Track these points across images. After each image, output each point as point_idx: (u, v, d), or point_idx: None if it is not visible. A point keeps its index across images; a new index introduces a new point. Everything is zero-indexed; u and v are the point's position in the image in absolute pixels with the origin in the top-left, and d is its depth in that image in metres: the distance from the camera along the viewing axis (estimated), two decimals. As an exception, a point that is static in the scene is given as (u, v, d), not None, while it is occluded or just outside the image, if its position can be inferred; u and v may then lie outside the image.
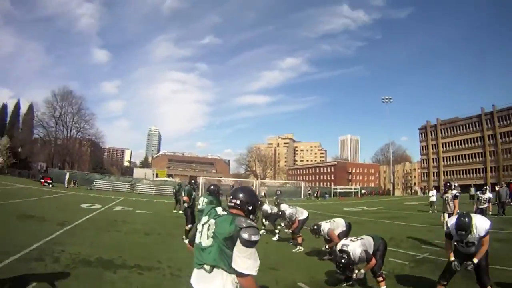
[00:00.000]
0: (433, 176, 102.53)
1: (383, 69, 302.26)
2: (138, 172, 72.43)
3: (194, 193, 13.04)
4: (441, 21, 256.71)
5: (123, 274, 7.59)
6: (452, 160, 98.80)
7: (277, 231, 13.88)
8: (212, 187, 9.25)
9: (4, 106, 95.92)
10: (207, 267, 3.05)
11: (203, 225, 3.27)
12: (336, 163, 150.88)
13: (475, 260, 5.76)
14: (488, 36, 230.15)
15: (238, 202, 3.32)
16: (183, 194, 13.19)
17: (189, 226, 12.01)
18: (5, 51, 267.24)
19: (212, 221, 3.17)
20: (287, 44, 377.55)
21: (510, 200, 27.94)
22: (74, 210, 18.92)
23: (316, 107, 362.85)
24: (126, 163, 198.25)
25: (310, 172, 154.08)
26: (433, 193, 29.67)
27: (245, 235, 2.83)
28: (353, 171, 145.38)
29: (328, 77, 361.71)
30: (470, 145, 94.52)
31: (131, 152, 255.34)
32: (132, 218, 18.06)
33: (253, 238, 2.86)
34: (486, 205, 18.21)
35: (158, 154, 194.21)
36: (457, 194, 12.32)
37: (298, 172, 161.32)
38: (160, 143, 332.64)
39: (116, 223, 15.44)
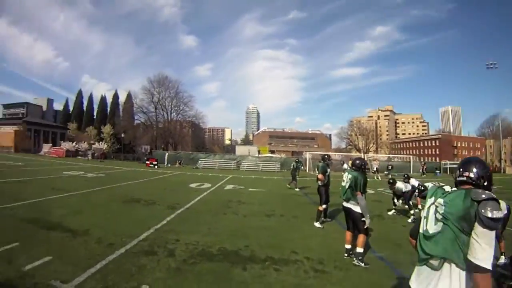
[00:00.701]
0: None
1: (482, 31, 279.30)
2: (240, 150, 71.72)
3: (329, 170, 11.42)
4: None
5: (255, 271, 6.04)
6: None
7: (412, 211, 12.42)
8: (357, 161, 7.65)
9: (103, 98, 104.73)
10: (434, 262, 2.48)
11: (428, 208, 2.72)
12: (440, 136, 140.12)
13: None
14: None
15: (472, 175, 2.67)
16: (319, 172, 11.40)
17: (324, 206, 10.76)
18: (96, 49, 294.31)
19: (440, 200, 2.60)
20: (375, 11, 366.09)
21: None
22: (184, 191, 17.69)
23: (413, 77, 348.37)
24: (227, 142, 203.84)
25: (414, 145, 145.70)
26: None
27: (486, 211, 2.20)
28: (459, 145, 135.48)
29: (421, 44, 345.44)
30: None
31: (231, 130, 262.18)
32: (246, 197, 16.42)
33: (496, 214, 2.20)
34: None
35: (258, 131, 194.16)
36: None
37: (401, 146, 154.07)
38: (259, 120, 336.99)
39: (231, 204, 13.85)
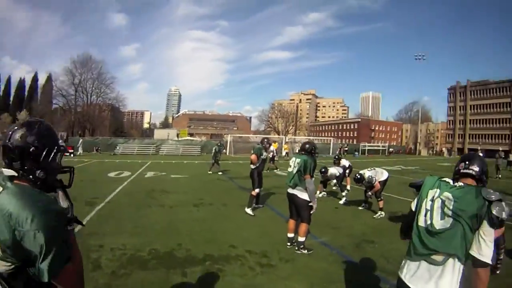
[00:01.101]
0: (458, 138, 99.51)
1: (411, 26, 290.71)
2: (159, 133, 69.85)
3: (264, 154, 11.17)
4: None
5: (197, 275, 5.45)
6: (479, 123, 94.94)
7: (344, 193, 12.54)
8: (307, 145, 7.45)
9: (22, 81, 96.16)
10: (438, 257, 2.50)
11: (432, 201, 2.67)
12: (359, 120, 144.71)
13: None
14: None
15: (477, 170, 2.75)
16: (253, 152, 11.11)
17: (257, 190, 10.44)
18: (19, 27, 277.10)
19: (447, 194, 2.57)
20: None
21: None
22: (103, 182, 16.26)
23: (340, 63, 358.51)
24: (146, 125, 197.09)
25: (333, 128, 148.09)
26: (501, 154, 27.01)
27: (498, 213, 2.34)
28: (376, 128, 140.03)
29: (353, 32, 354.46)
30: (498, 109, 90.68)
31: (150, 113, 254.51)
32: (170, 185, 15.54)
33: (504, 215, 2.35)
34: None
35: (178, 114, 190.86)
36: None
37: (321, 129, 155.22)
38: (180, 103, 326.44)
39: (154, 194, 12.92)
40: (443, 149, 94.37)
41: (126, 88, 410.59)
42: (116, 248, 6.40)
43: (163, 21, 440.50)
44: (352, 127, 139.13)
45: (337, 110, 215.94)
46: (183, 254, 6.29)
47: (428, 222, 2.56)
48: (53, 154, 1.84)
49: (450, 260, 2.40)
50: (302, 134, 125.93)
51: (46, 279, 1.51)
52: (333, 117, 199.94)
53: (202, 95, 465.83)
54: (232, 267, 5.79)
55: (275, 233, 7.62)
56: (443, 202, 2.53)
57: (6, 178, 1.65)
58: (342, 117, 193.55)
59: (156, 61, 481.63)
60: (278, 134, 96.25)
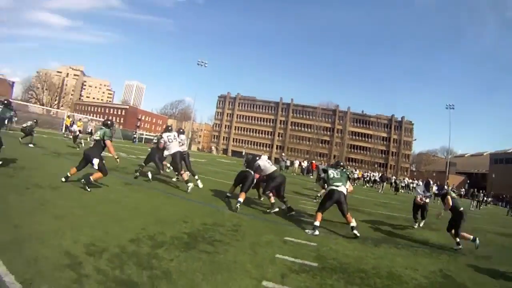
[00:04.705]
0: (223, 140, 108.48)
1: (196, 29, 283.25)
2: None
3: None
4: None
5: None
6: (244, 131, 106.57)
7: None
8: (106, 121, 8.87)
9: None
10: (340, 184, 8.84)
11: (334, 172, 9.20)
12: (128, 107, 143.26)
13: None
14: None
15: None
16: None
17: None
18: None
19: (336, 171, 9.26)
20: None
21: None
22: None
23: (112, 45, 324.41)
24: None
25: (99, 111, 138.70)
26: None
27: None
28: (143, 118, 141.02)
29: (136, 19, 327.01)
30: (262, 123, 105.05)
31: None
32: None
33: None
34: None
35: None
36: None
37: (87, 109, 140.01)
38: None
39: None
40: (212, 147, 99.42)
41: None
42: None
43: None
44: (119, 112, 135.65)
45: (103, 92, 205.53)
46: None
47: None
48: None
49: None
50: (67, 111, 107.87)
51: None
52: (98, 99, 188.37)
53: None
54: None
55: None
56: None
57: None
58: (108, 100, 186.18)
59: None
60: (43, 106, 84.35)
